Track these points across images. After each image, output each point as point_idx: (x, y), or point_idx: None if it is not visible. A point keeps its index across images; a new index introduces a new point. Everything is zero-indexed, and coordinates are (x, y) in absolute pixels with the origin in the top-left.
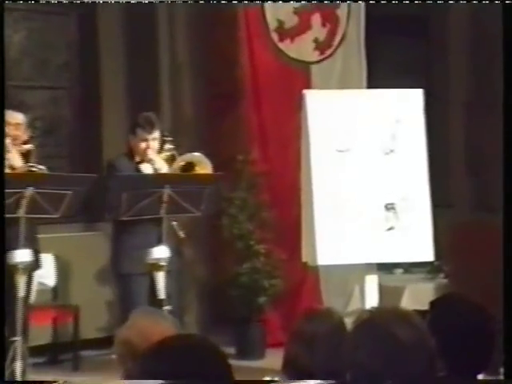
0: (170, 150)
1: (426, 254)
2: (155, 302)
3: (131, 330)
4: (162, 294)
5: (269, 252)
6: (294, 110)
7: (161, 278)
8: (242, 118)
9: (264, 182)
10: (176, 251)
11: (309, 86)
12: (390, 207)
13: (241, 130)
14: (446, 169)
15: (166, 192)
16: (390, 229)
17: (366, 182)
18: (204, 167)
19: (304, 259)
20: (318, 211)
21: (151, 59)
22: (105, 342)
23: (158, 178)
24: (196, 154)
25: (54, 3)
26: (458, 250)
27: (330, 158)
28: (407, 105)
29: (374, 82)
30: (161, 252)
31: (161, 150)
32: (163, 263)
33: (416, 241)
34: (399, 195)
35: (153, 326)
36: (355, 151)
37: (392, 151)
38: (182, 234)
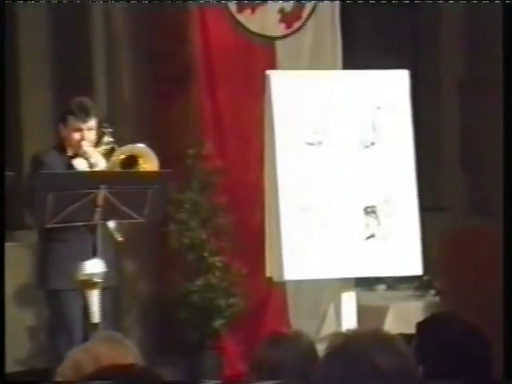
0: (109, 143)
1: (414, 266)
2: (89, 326)
3: (85, 354)
4: (95, 316)
5: (226, 265)
6: (256, 95)
7: (95, 297)
8: (194, 105)
9: (220, 182)
10: (114, 264)
11: (273, 66)
12: (370, 211)
13: (192, 119)
14: (437, 165)
15: (102, 193)
16: (371, 237)
17: (342, 181)
18: (148, 162)
19: (268, 274)
20: (285, 216)
21: (81, 34)
22: (27, 377)
23: (91, 176)
24: (139, 145)
25: None
26: (452, 262)
27: (299, 152)
28: (390, 89)
29: (350, 61)
30: (94, 266)
31: (98, 143)
32: (97, 279)
33: (401, 251)
34: (381, 197)
35: (109, 354)
36: (329, 144)
37: (372, 144)
38: (119, 238)
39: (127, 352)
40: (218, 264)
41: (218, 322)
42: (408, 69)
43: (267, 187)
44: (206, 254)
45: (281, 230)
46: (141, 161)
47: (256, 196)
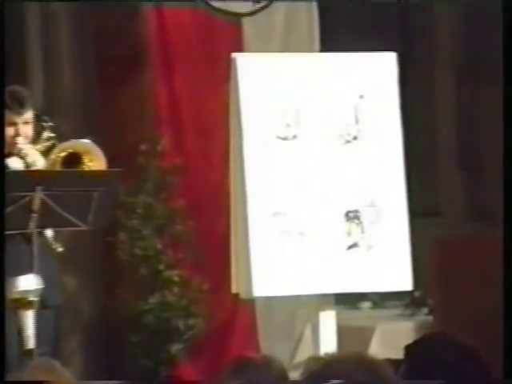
0: (49, 138)
1: (403, 281)
2: (23, 353)
3: None
4: (30, 341)
5: (185, 280)
6: (220, 81)
7: (29, 318)
8: (147, 92)
9: (178, 182)
10: (53, 280)
11: (240, 48)
12: (352, 216)
13: (145, 109)
14: (430, 163)
15: (38, 196)
16: (353, 246)
17: (320, 181)
18: (94, 160)
19: (235, 290)
20: (254, 223)
21: (11, 10)
22: None
23: (25, 176)
24: (83, 141)
25: None
26: (448, 275)
27: (270, 148)
28: (376, 74)
29: (329, 42)
30: (29, 282)
31: (36, 139)
32: (33, 298)
33: (389, 263)
34: (365, 200)
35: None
36: (304, 139)
37: (355, 138)
38: (59, 248)
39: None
40: (176, 279)
41: (175, 347)
42: (396, 51)
43: (233, 189)
44: (161, 267)
45: (249, 238)
46: (85, 159)
47: (220, 199)
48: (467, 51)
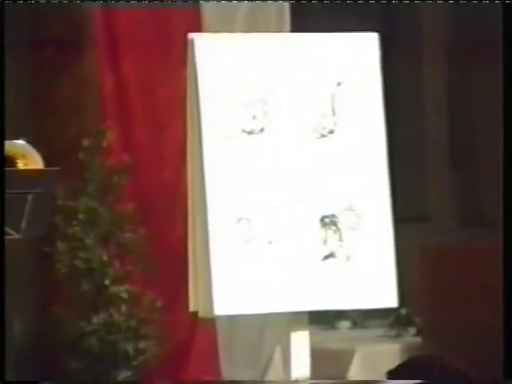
0: None
1: (387, 296)
2: None
3: None
4: None
5: (135, 296)
6: (175, 66)
7: None
8: (89, 79)
9: (126, 183)
10: None
11: (198, 28)
12: (328, 222)
13: (87, 99)
14: (418, 161)
15: None
16: (330, 256)
17: (291, 181)
18: (30, 164)
19: (193, 308)
20: (215, 230)
21: None
22: None
23: None
24: (17, 142)
25: None
26: (438, 290)
27: (234, 143)
28: (355, 58)
29: (301, 20)
30: None
31: None
32: None
33: (371, 276)
34: (343, 203)
35: None
36: (273, 132)
37: (331, 132)
38: None
39: None
40: (124, 295)
41: (122, 374)
42: (378, 31)
43: (190, 190)
44: (107, 282)
45: (209, 248)
46: (20, 163)
47: (175, 202)
48: (460, 32)
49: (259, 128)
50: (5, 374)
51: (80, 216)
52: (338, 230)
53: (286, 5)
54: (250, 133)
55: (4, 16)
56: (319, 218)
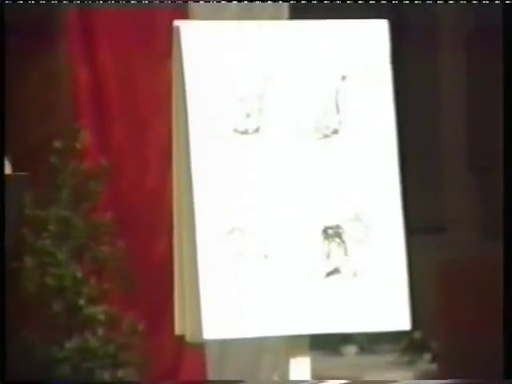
0: None
1: (399, 318)
2: None
3: None
4: None
5: (113, 318)
6: (159, 57)
7: None
8: (62, 71)
9: (103, 191)
10: None
11: (185, 15)
12: (332, 234)
13: (60, 93)
14: (433, 164)
15: None
16: (334, 272)
17: (290, 188)
18: None
19: (179, 331)
20: (204, 243)
21: None
22: None
23: None
24: None
25: None
26: (456, 311)
27: (225, 144)
28: (362, 49)
29: (301, 7)
30: None
31: None
32: None
33: (380, 294)
34: (349, 212)
35: None
36: (269, 132)
37: (335, 132)
38: None
39: None
40: (101, 317)
41: None
42: (388, 19)
43: (176, 198)
44: (81, 302)
45: (198, 263)
46: None
47: (159, 211)
48: (480, 18)
49: (254, 127)
50: (4, 374)
51: (51, 227)
52: (343, 242)
53: None
54: (244, 133)
55: (4, 16)
56: (322, 229)
